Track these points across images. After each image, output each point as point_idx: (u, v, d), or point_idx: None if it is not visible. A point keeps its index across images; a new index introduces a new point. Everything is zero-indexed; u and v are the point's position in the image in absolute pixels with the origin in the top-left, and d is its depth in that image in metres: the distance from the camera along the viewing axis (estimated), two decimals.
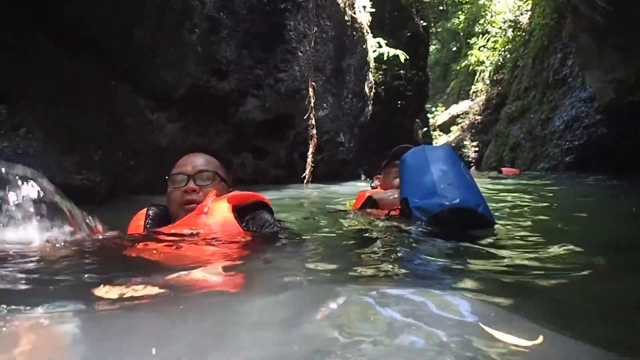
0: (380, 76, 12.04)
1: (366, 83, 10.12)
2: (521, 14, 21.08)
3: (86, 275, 1.37)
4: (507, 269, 1.73)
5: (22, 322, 0.99)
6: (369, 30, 10.08)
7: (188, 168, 2.11)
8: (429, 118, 23.44)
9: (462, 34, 26.85)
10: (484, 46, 23.71)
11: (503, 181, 9.22)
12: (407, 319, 1.05)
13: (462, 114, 24.68)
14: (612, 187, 6.94)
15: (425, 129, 18.15)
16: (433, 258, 1.87)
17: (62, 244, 1.59)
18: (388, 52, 10.79)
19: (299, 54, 7.14)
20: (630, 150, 8.37)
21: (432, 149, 2.75)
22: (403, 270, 1.69)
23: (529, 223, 3.08)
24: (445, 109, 27.38)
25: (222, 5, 5.68)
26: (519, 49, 19.88)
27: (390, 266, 1.73)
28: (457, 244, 2.06)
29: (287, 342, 0.96)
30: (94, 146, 4.35)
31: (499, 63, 22.37)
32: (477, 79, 24.33)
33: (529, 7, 19.92)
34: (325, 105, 8.30)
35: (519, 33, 20.62)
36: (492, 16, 23.69)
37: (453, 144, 21.55)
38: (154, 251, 1.74)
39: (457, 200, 2.30)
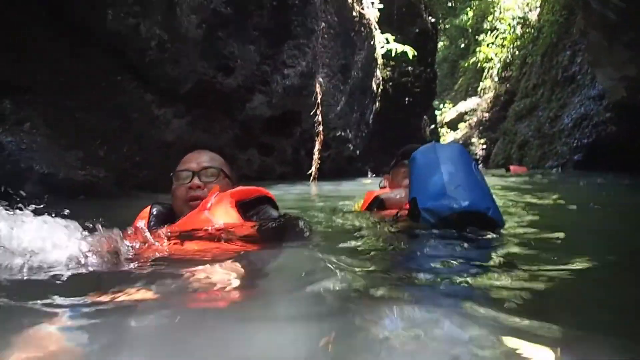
0: (388, 72, 11.96)
1: (374, 79, 10.06)
2: (530, 10, 20.91)
3: (89, 279, 1.35)
4: (515, 273, 1.68)
5: (32, 325, 0.97)
6: (377, 26, 10.01)
7: (193, 165, 2.10)
8: (436, 115, 23.32)
9: (470, 30, 26.67)
10: (492, 43, 23.54)
11: (511, 179, 9.13)
12: (415, 331, 1.03)
13: (470, 111, 24.56)
14: (622, 186, 6.86)
15: (432, 126, 18.06)
16: (441, 264, 1.81)
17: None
18: (396, 49, 10.72)
19: (307, 49, 7.08)
20: (637, 149, 8.27)
21: (443, 147, 2.66)
22: (409, 275, 1.64)
23: (537, 223, 3.02)
24: (453, 106, 27.24)
25: (229, 0, 5.64)
26: (527, 46, 19.72)
27: (397, 270, 1.70)
28: (466, 248, 2.00)
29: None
30: (99, 141, 4.33)
31: (508, 60, 22.21)
32: (486, 76, 24.18)
33: (538, 4, 19.74)
34: (332, 101, 8.24)
35: (527, 30, 20.45)
36: (500, 13, 23.50)
37: (460, 141, 21.47)
38: (158, 252, 1.71)
39: (467, 204, 2.22)
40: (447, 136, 25.17)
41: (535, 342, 0.96)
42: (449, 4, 25.40)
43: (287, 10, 6.60)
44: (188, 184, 2.05)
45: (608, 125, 10.65)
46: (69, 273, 1.38)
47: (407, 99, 12.77)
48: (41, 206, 1.57)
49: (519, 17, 21.57)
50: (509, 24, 22.46)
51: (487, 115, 22.63)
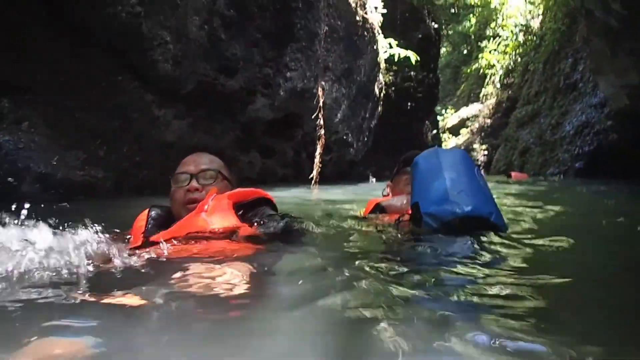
0: (390, 77, 11.97)
1: (376, 84, 10.05)
2: (532, 18, 20.96)
3: (89, 285, 1.33)
4: (518, 277, 1.67)
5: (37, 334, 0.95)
6: (380, 31, 10.01)
7: (191, 167, 2.10)
8: (438, 120, 23.34)
9: (473, 37, 26.70)
10: (494, 50, 23.58)
11: (513, 186, 9.10)
12: (418, 335, 1.02)
13: (472, 117, 24.57)
14: (624, 193, 6.84)
15: (434, 131, 18.05)
16: (443, 268, 1.78)
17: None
18: (399, 53, 10.72)
19: (309, 53, 7.08)
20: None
21: (446, 152, 2.65)
22: (411, 280, 1.62)
23: (539, 229, 3.01)
24: (455, 112, 27.27)
25: (232, 2, 5.63)
26: (529, 53, 19.75)
27: (398, 275, 1.67)
28: (468, 253, 1.98)
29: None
30: (99, 141, 4.31)
31: (510, 67, 22.25)
32: (488, 82, 24.21)
33: (540, 12, 19.78)
34: (334, 105, 8.23)
35: (530, 37, 20.49)
36: (503, 20, 23.56)
37: (462, 147, 21.42)
38: (155, 255, 1.69)
39: (470, 208, 2.21)
40: (449, 142, 25.18)
41: (539, 345, 0.96)
42: (452, 11, 25.40)
43: (290, 13, 6.59)
44: (186, 187, 2.05)
45: (609, 133, 10.65)
46: (62, 279, 1.35)
47: (409, 103, 12.78)
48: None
49: (521, 25, 21.63)
50: (512, 31, 22.52)
51: (489, 121, 22.64)
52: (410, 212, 2.50)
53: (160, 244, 1.77)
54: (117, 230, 2.02)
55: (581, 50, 13.02)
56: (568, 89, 13.89)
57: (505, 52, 22.79)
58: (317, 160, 7.44)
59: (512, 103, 20.16)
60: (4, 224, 1.48)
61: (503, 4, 23.63)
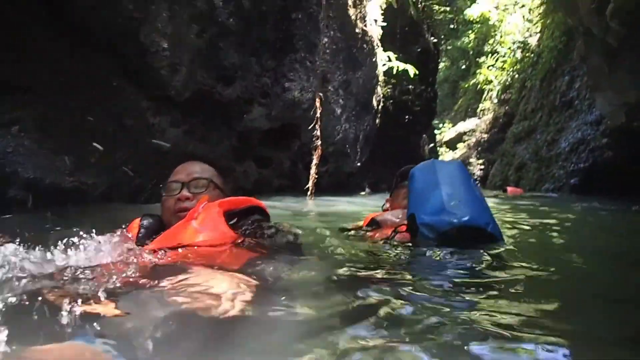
0: (388, 90, 12.00)
1: (374, 96, 10.07)
2: (530, 35, 21.08)
3: (75, 293, 1.28)
4: (516, 288, 1.68)
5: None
6: (379, 44, 10.05)
7: (182, 176, 2.09)
8: (435, 134, 23.41)
9: (471, 52, 26.88)
10: (492, 66, 23.72)
11: (508, 201, 9.11)
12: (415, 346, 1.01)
13: (469, 131, 24.64)
14: (620, 211, 6.84)
15: (432, 144, 18.10)
16: (439, 279, 1.78)
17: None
18: (397, 66, 10.75)
19: (308, 63, 7.08)
20: (638, 173, 8.26)
21: (442, 163, 2.65)
22: (405, 291, 1.60)
23: (535, 241, 3.06)
24: (453, 126, 27.36)
25: (232, 11, 5.64)
26: (527, 69, 19.86)
27: (392, 286, 1.64)
28: (465, 263, 1.98)
29: None
30: (91, 147, 4.26)
31: (507, 83, 22.34)
32: (485, 98, 24.32)
33: (538, 30, 19.92)
34: (332, 116, 8.23)
35: (527, 54, 20.61)
36: (501, 37, 23.71)
37: (460, 161, 21.43)
38: (141, 264, 1.64)
39: (467, 218, 2.20)
40: (446, 155, 25.25)
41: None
42: (452, 26, 25.60)
43: (290, 23, 6.61)
44: (177, 195, 2.03)
45: (605, 151, 10.67)
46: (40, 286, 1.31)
47: (407, 116, 12.80)
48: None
49: (519, 42, 21.76)
50: (510, 48, 22.67)
51: (485, 136, 22.69)
52: (405, 225, 2.48)
53: (146, 252, 1.72)
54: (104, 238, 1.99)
55: (578, 68, 13.10)
56: (564, 106, 13.94)
57: (502, 69, 22.91)
58: (313, 171, 7.41)
59: (509, 119, 20.21)
60: None
61: (501, 21, 23.81)
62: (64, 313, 1.07)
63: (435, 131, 24.05)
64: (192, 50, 5.33)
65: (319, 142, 7.42)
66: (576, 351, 1.03)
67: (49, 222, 3.21)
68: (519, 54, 21.60)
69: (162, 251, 1.74)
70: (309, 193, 7.38)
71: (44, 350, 0.85)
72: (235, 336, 1.13)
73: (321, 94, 7.31)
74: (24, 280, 1.30)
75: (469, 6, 24.26)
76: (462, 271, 1.87)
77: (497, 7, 23.86)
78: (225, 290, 1.33)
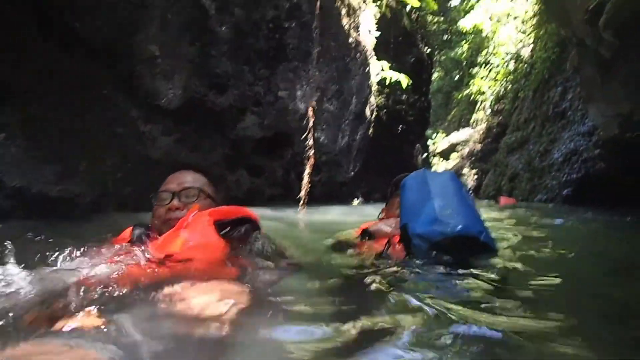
0: (382, 99, 12.01)
1: (368, 105, 10.06)
2: (523, 47, 21.24)
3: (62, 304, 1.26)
4: (511, 298, 1.66)
5: None
6: (373, 53, 10.06)
7: (173, 185, 2.10)
8: (429, 144, 23.49)
9: (465, 63, 27.05)
10: (486, 76, 23.87)
11: (501, 211, 9.12)
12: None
13: (462, 141, 24.73)
14: (612, 222, 6.86)
15: (425, 154, 18.13)
16: (433, 290, 1.76)
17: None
18: (391, 76, 10.77)
19: (301, 73, 7.06)
20: (630, 184, 8.28)
21: (434, 173, 2.63)
22: (398, 305, 1.57)
23: (530, 251, 3.03)
24: (446, 136, 27.45)
25: (225, 19, 5.61)
26: (520, 80, 19.98)
27: (384, 304, 1.61)
28: (459, 273, 1.96)
29: None
30: (80, 155, 4.19)
31: (500, 93, 22.47)
32: (478, 108, 24.43)
33: (531, 41, 20.08)
34: (325, 125, 8.21)
35: (520, 65, 20.75)
36: (494, 48, 23.89)
37: (452, 171, 21.48)
38: (130, 276, 1.61)
39: (460, 228, 2.17)
40: (439, 165, 25.32)
41: None
42: (445, 37, 25.77)
43: (283, 32, 6.59)
44: (167, 205, 2.03)
45: (597, 161, 10.71)
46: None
47: (400, 126, 12.81)
48: None
49: (512, 53, 21.93)
50: (503, 59, 22.83)
51: (479, 146, 22.78)
52: (398, 236, 2.46)
53: (134, 262, 1.69)
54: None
55: (571, 79, 13.17)
56: (557, 117, 14.00)
57: (496, 79, 23.06)
58: (305, 180, 7.37)
59: (502, 129, 20.31)
60: None
61: (495, 32, 23.99)
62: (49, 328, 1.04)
63: (429, 141, 24.13)
64: (185, 59, 5.30)
65: (312, 152, 7.39)
66: None
67: (35, 232, 3.15)
68: (512, 65, 21.76)
69: (150, 261, 1.72)
70: (301, 202, 7.33)
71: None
72: (220, 347, 1.12)
73: (314, 103, 7.29)
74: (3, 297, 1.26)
75: (463, 17, 24.45)
76: (455, 282, 1.85)
77: (490, 19, 24.05)
78: (211, 302, 1.32)
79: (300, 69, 7.02)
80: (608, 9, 5.57)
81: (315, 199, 7.82)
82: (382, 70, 10.75)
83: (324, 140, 8.17)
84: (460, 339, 1.21)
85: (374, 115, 10.72)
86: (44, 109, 3.95)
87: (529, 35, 20.56)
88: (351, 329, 1.26)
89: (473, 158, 22.81)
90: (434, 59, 18.61)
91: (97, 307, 1.21)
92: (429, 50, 14.81)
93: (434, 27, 16.26)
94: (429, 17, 14.84)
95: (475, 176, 21.91)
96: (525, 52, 20.63)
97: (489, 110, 23.19)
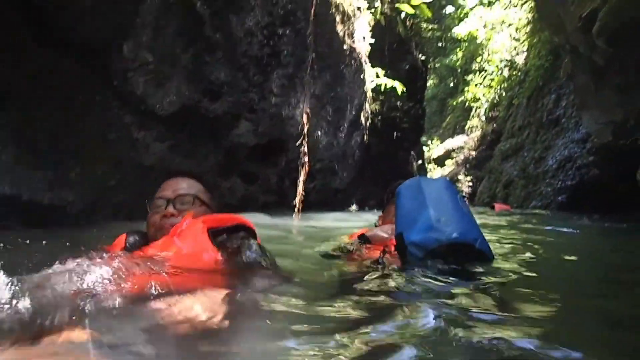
0: (377, 106, 12.00)
1: (362, 112, 10.07)
2: (517, 54, 21.38)
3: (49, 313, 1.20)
4: (506, 306, 1.66)
5: None
6: (367, 60, 10.07)
7: (168, 192, 2.07)
8: (424, 151, 23.54)
9: (459, 70, 27.19)
10: (480, 83, 23.98)
11: (497, 218, 9.12)
12: None
13: (457, 148, 24.81)
14: (605, 228, 6.86)
15: (420, 161, 18.15)
16: (429, 299, 1.74)
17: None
18: (385, 83, 10.78)
19: (295, 79, 7.06)
20: (624, 191, 8.31)
21: (429, 180, 2.64)
22: (393, 314, 1.54)
23: (525, 258, 3.03)
24: (441, 143, 27.53)
25: (218, 26, 5.60)
26: (514, 87, 20.10)
27: (379, 313, 1.58)
28: (455, 284, 1.93)
29: None
30: (72, 162, 4.15)
31: (495, 101, 22.59)
32: (473, 115, 24.54)
33: (525, 48, 20.20)
34: (319, 132, 8.19)
35: (514, 72, 20.89)
36: (489, 55, 24.02)
37: (447, 178, 21.52)
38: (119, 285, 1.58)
39: (455, 235, 2.17)
40: (435, 172, 25.39)
41: None
42: (440, 44, 25.89)
43: (277, 39, 6.58)
44: (162, 212, 2.01)
45: (591, 169, 10.77)
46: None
47: (395, 133, 12.80)
48: None
49: (506, 60, 22.07)
50: (497, 66, 22.97)
51: (473, 153, 22.85)
52: (394, 242, 2.45)
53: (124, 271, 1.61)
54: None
55: (564, 86, 13.27)
56: (551, 124, 14.08)
57: (490, 86, 23.19)
58: (300, 187, 7.35)
59: (496, 136, 20.40)
60: None
61: (489, 39, 24.14)
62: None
63: (424, 148, 24.18)
64: (178, 65, 5.27)
65: (306, 159, 7.36)
66: None
67: (24, 240, 3.11)
68: (506, 72, 21.88)
69: (142, 269, 1.65)
70: (296, 209, 7.30)
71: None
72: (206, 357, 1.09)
73: (308, 110, 7.28)
74: None
75: (457, 25, 24.59)
76: (451, 289, 1.83)
77: (484, 26, 24.20)
78: (198, 313, 1.29)
79: (295, 76, 7.01)
80: (601, 16, 5.60)
81: (310, 206, 7.79)
82: (377, 77, 10.76)
83: (318, 147, 8.15)
84: (455, 345, 1.20)
85: (368, 122, 10.72)
86: (35, 115, 3.91)
87: (522, 42, 20.69)
88: (344, 337, 1.23)
89: (468, 165, 22.88)
90: (429, 66, 18.67)
91: (86, 320, 1.17)
92: (423, 57, 14.84)
93: (429, 34, 16.32)
94: (424, 25, 14.88)
95: (470, 183, 21.97)
96: (520, 60, 20.77)
97: (483, 117, 23.30)
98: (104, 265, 1.83)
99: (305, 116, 7.19)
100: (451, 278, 2.00)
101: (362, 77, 9.71)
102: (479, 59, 24.99)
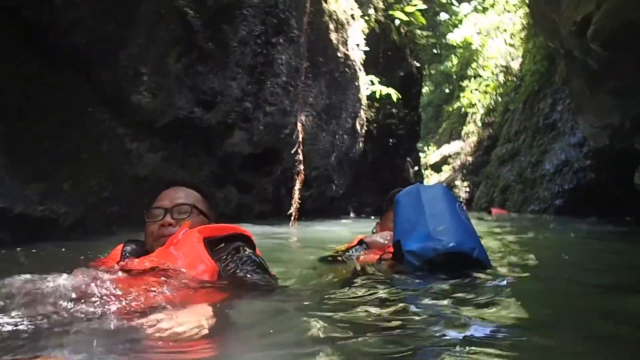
0: (372, 114, 12.00)
1: (357, 120, 10.06)
2: (512, 59, 21.44)
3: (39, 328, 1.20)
4: (503, 318, 1.62)
5: None
6: (361, 68, 10.08)
7: (166, 202, 2.09)
8: (420, 157, 23.57)
9: (454, 76, 27.25)
10: (476, 89, 24.03)
11: (494, 223, 9.09)
12: None
13: (453, 154, 24.83)
14: (606, 232, 6.83)
15: (416, 167, 18.16)
16: (424, 308, 1.73)
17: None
18: (380, 90, 10.78)
19: (290, 88, 7.03)
20: (621, 194, 8.30)
21: (427, 188, 2.65)
22: (389, 322, 1.54)
23: (522, 265, 3.03)
24: (437, 149, 27.55)
25: (211, 35, 5.57)
26: (510, 93, 20.14)
27: (376, 322, 1.56)
28: (451, 293, 1.92)
29: None
30: (64, 174, 4.10)
31: (491, 106, 22.62)
32: (469, 121, 24.56)
33: (520, 54, 20.28)
34: (315, 140, 8.17)
35: (510, 78, 20.95)
36: (484, 61, 24.09)
37: (444, 184, 21.54)
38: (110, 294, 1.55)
39: (452, 245, 2.19)
40: (431, 178, 25.39)
41: None
42: (435, 51, 25.97)
43: (271, 47, 6.56)
44: (160, 222, 2.02)
45: (588, 172, 10.78)
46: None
47: (391, 140, 12.81)
48: None
49: (501, 66, 22.12)
50: (492, 72, 23.02)
51: (470, 158, 22.87)
52: (391, 253, 2.46)
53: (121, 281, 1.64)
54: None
55: (560, 90, 13.29)
56: (547, 129, 14.10)
57: (486, 92, 23.22)
58: (295, 196, 7.31)
59: (492, 141, 20.41)
60: None
61: (484, 45, 24.21)
62: None
63: (420, 154, 24.21)
64: (171, 75, 5.23)
65: (301, 167, 7.33)
66: None
67: (16, 254, 3.07)
68: (501, 78, 21.94)
69: (137, 280, 1.68)
70: (292, 218, 7.25)
71: None
72: None
73: (303, 118, 7.25)
74: None
75: (452, 31, 24.68)
76: (447, 296, 1.84)
77: (479, 32, 24.29)
78: (185, 329, 1.28)
79: (289, 84, 6.99)
80: (596, 20, 5.58)
81: (306, 214, 7.77)
82: (372, 84, 10.76)
83: (313, 155, 8.13)
84: (452, 351, 1.20)
85: (364, 130, 10.71)
86: (27, 127, 3.86)
87: (517, 48, 20.77)
88: (335, 349, 1.20)
89: (464, 170, 22.90)
90: (424, 72, 18.71)
91: (64, 346, 1.13)
92: (418, 64, 14.88)
93: (423, 41, 16.36)
94: (418, 32, 14.92)
95: (467, 188, 21.98)
96: (515, 65, 20.83)
97: (479, 123, 23.33)
98: (92, 283, 1.80)
99: (299, 124, 7.16)
100: (447, 284, 2.01)
101: (356, 84, 9.71)
102: (474, 65, 25.06)
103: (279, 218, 7.31)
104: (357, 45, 9.79)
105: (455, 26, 25.29)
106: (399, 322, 1.51)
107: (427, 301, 1.81)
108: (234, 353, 1.24)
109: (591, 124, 8.06)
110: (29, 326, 1.25)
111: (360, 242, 2.94)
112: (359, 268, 2.51)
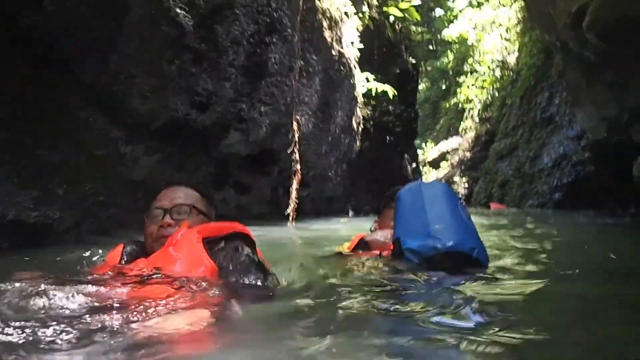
0: (368, 111, 11.98)
1: (354, 118, 10.04)
2: (508, 54, 21.47)
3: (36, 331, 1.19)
4: (501, 320, 1.59)
5: None
6: (356, 65, 10.06)
7: (165, 202, 2.10)
8: (418, 154, 23.57)
9: (451, 72, 27.28)
10: (472, 85, 24.04)
11: (493, 218, 9.08)
12: None
13: (451, 150, 24.86)
14: (604, 225, 6.83)
15: (414, 164, 18.16)
16: (422, 307, 1.70)
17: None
18: (376, 88, 10.76)
19: (285, 87, 7.00)
20: (620, 187, 8.29)
21: (428, 186, 2.65)
22: (387, 322, 1.54)
23: (521, 263, 3.00)
24: (435, 145, 27.57)
25: (203, 36, 5.53)
26: (506, 87, 20.18)
27: (374, 321, 1.58)
28: (450, 291, 1.91)
29: None
30: (58, 179, 4.06)
31: (488, 101, 22.64)
32: (466, 117, 24.58)
33: (516, 48, 20.29)
34: (311, 140, 8.15)
35: (506, 72, 20.97)
36: (480, 56, 24.10)
37: (443, 180, 21.56)
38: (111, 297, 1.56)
39: (451, 244, 2.20)
40: (430, 175, 25.42)
41: None
42: (430, 47, 25.96)
43: (265, 47, 6.53)
44: (159, 222, 2.02)
45: (587, 165, 10.78)
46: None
47: (388, 137, 12.79)
48: None
49: (498, 60, 22.14)
50: (489, 67, 23.04)
51: (468, 154, 22.89)
52: (392, 247, 2.48)
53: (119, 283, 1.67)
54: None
55: (556, 84, 13.30)
56: (544, 122, 14.11)
57: (482, 87, 23.26)
58: (293, 196, 7.28)
59: (490, 136, 20.45)
60: None
61: (479, 40, 24.21)
62: None
63: (418, 151, 24.21)
64: (164, 77, 5.19)
65: (298, 167, 7.30)
66: None
67: (11, 261, 3.05)
68: (498, 73, 21.97)
69: (135, 283, 1.69)
70: (290, 218, 7.23)
71: None
72: None
73: (298, 118, 7.22)
74: None
75: (447, 27, 24.67)
76: (446, 295, 1.83)
77: (474, 27, 24.28)
78: (185, 330, 1.30)
79: (284, 84, 6.95)
80: (591, 10, 5.56)
81: (305, 214, 7.75)
82: (367, 81, 10.74)
83: (310, 154, 8.10)
84: (452, 349, 1.21)
85: (360, 127, 10.69)
86: (19, 131, 3.82)
87: (513, 42, 20.78)
88: (339, 343, 1.22)
89: (463, 166, 22.92)
90: (420, 69, 18.70)
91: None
92: (414, 60, 14.86)
93: (419, 37, 16.35)
94: (413, 28, 14.90)
95: (466, 184, 22.00)
96: (511, 60, 20.85)
97: (477, 119, 23.35)
98: (88, 288, 1.78)
99: (295, 124, 7.13)
100: (446, 282, 2.01)
101: (352, 82, 9.69)
102: (470, 61, 25.08)
103: (277, 218, 7.29)
104: (352, 42, 9.76)
105: (451, 22, 25.31)
106: (398, 320, 1.52)
107: (426, 300, 1.79)
108: (233, 353, 1.22)
109: (589, 116, 8.06)
110: (22, 332, 1.23)
111: (361, 241, 2.94)
112: (358, 266, 2.51)
